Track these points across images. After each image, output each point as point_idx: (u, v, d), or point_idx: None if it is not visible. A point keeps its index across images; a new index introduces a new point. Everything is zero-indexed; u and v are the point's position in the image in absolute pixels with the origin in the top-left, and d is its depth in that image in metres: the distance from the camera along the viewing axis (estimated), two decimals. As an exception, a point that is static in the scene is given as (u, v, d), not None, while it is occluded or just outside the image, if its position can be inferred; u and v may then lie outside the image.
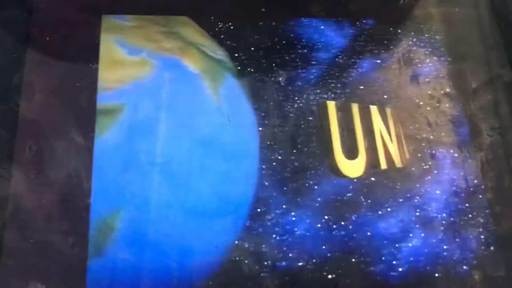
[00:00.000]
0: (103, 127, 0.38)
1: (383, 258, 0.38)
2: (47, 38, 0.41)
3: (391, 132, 0.43)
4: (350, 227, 0.39)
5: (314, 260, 0.37)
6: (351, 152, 0.41)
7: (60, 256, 0.35)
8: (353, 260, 0.38)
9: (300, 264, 0.37)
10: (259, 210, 0.38)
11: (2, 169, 0.36)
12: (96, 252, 0.35)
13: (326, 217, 0.39)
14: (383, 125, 0.43)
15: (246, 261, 0.37)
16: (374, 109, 0.43)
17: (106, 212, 0.36)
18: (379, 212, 0.39)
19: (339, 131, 0.42)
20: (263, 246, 0.37)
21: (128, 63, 0.41)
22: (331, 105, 0.43)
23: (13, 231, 0.35)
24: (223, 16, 0.44)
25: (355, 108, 0.43)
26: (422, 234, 0.39)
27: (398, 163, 0.42)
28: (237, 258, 0.37)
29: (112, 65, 0.41)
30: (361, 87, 0.44)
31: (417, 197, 0.41)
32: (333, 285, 0.37)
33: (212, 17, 0.44)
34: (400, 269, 0.38)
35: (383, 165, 0.41)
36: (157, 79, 0.41)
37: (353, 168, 0.41)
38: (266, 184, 0.39)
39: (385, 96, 0.44)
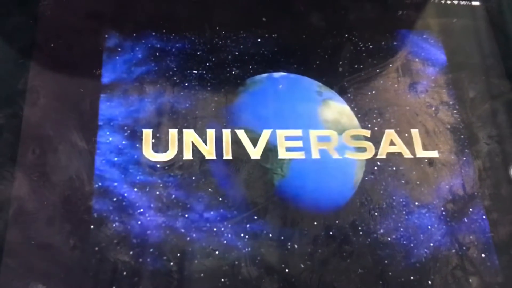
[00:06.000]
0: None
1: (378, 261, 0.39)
2: (52, 45, 0.42)
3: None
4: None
5: None
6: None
7: (61, 258, 0.35)
8: None
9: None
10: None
11: (5, 171, 0.37)
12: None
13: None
14: None
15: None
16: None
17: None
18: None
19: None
20: None
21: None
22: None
23: (15, 232, 0.35)
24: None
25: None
26: (419, 239, 0.40)
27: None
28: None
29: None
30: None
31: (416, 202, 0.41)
32: None
33: None
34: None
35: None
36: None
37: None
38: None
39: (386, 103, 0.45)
